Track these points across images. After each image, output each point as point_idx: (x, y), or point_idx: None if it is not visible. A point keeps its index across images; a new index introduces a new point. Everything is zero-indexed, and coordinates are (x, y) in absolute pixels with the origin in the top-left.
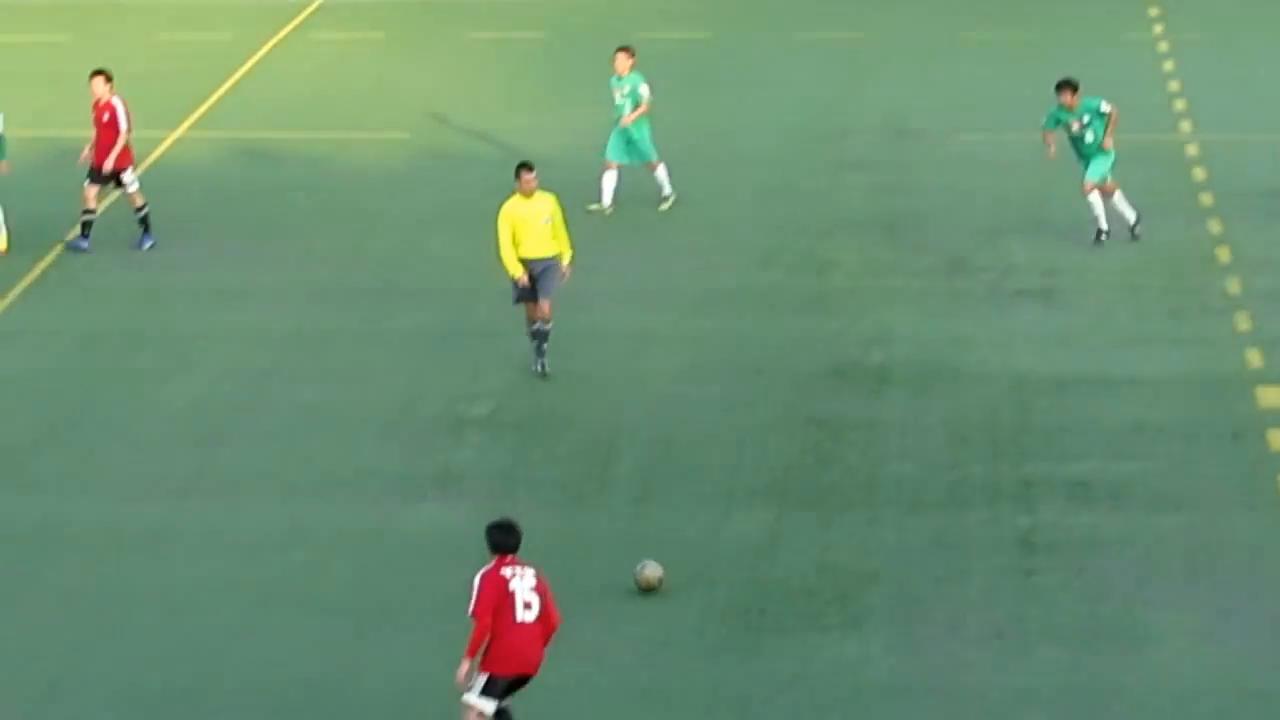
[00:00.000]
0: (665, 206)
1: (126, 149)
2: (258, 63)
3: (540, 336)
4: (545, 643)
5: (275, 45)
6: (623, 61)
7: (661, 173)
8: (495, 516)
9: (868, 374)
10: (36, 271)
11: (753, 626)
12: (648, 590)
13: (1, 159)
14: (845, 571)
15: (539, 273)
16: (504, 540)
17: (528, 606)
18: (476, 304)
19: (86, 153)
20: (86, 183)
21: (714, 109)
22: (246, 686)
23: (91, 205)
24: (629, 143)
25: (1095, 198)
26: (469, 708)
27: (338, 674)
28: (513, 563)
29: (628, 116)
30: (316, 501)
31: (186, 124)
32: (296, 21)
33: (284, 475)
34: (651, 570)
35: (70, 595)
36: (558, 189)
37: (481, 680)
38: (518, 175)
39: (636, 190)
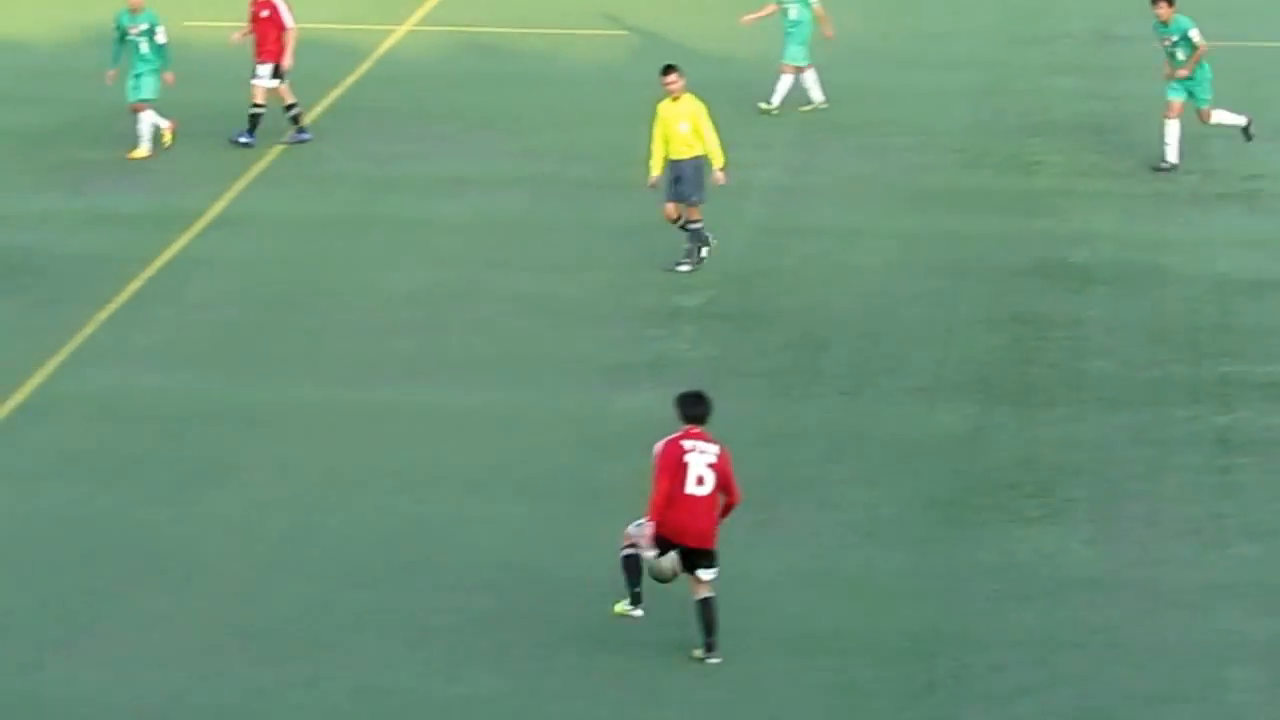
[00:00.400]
0: (808, 108)
1: (279, 44)
2: None
3: (688, 233)
4: (714, 519)
5: None
6: None
7: (810, 78)
8: None
9: (1071, 273)
10: (266, 160)
11: (955, 518)
12: (662, 580)
13: (165, 69)
14: (1047, 466)
15: (679, 176)
16: (690, 410)
17: (700, 481)
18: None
19: (238, 37)
20: (256, 79)
21: (926, 13)
22: (463, 567)
23: (290, 99)
24: (801, 46)
25: (1219, 116)
26: (629, 535)
27: (552, 556)
28: (697, 436)
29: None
30: (533, 387)
31: (414, 19)
32: None
33: (502, 362)
34: (665, 562)
35: (294, 473)
36: (764, 89)
37: (650, 528)
38: (661, 76)
39: (847, 90)
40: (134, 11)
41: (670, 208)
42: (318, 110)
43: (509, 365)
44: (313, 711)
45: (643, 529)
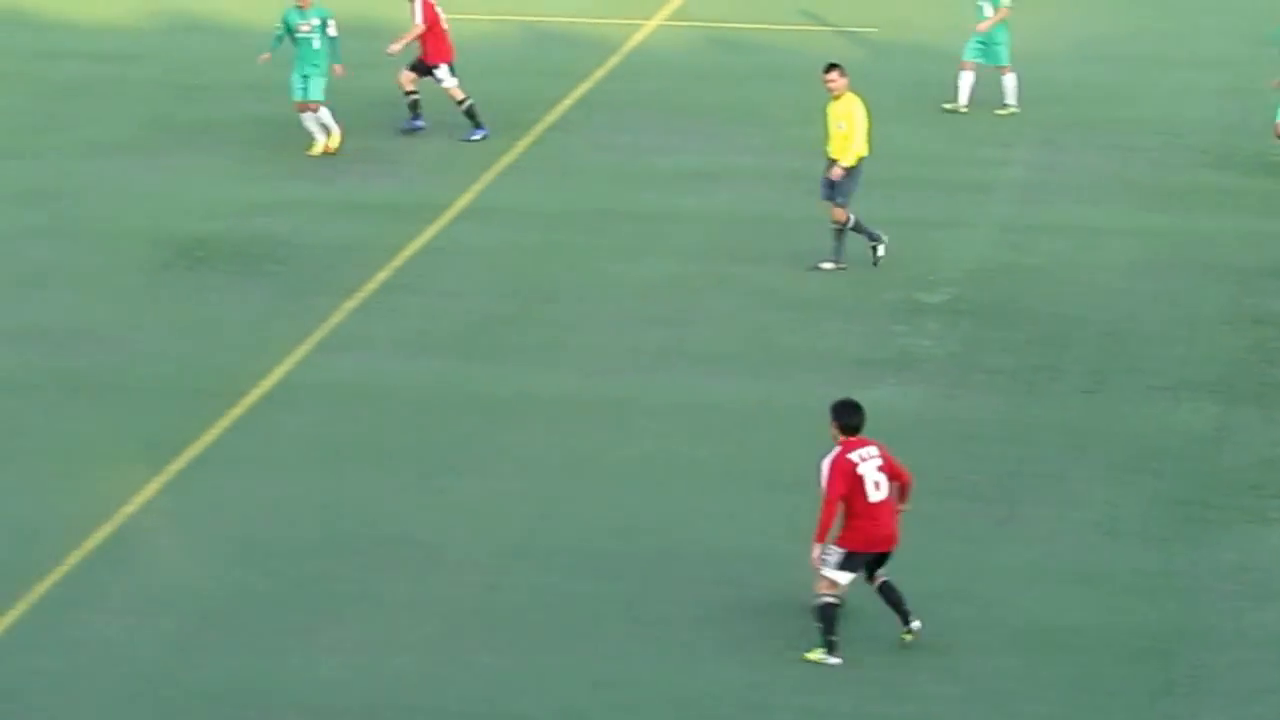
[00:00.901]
0: (1002, 113)
1: (444, 44)
2: None
3: (834, 234)
4: (897, 518)
5: None
6: None
7: (1009, 81)
8: (949, 401)
9: None
10: (513, 152)
11: (1196, 517)
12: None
13: (336, 62)
14: None
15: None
16: (849, 420)
17: (877, 486)
18: (936, 194)
19: (398, 47)
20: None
21: (1173, 12)
22: (704, 559)
23: (410, 87)
24: (986, 45)
25: None
26: (824, 579)
27: (793, 550)
28: (858, 444)
29: (984, 23)
30: (777, 381)
31: (663, 14)
32: None
33: (746, 355)
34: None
35: (537, 463)
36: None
37: (839, 555)
38: (823, 74)
39: (1093, 89)
40: (303, 7)
41: (834, 210)
42: (566, 103)
43: (753, 358)
44: (553, 701)
45: (830, 556)
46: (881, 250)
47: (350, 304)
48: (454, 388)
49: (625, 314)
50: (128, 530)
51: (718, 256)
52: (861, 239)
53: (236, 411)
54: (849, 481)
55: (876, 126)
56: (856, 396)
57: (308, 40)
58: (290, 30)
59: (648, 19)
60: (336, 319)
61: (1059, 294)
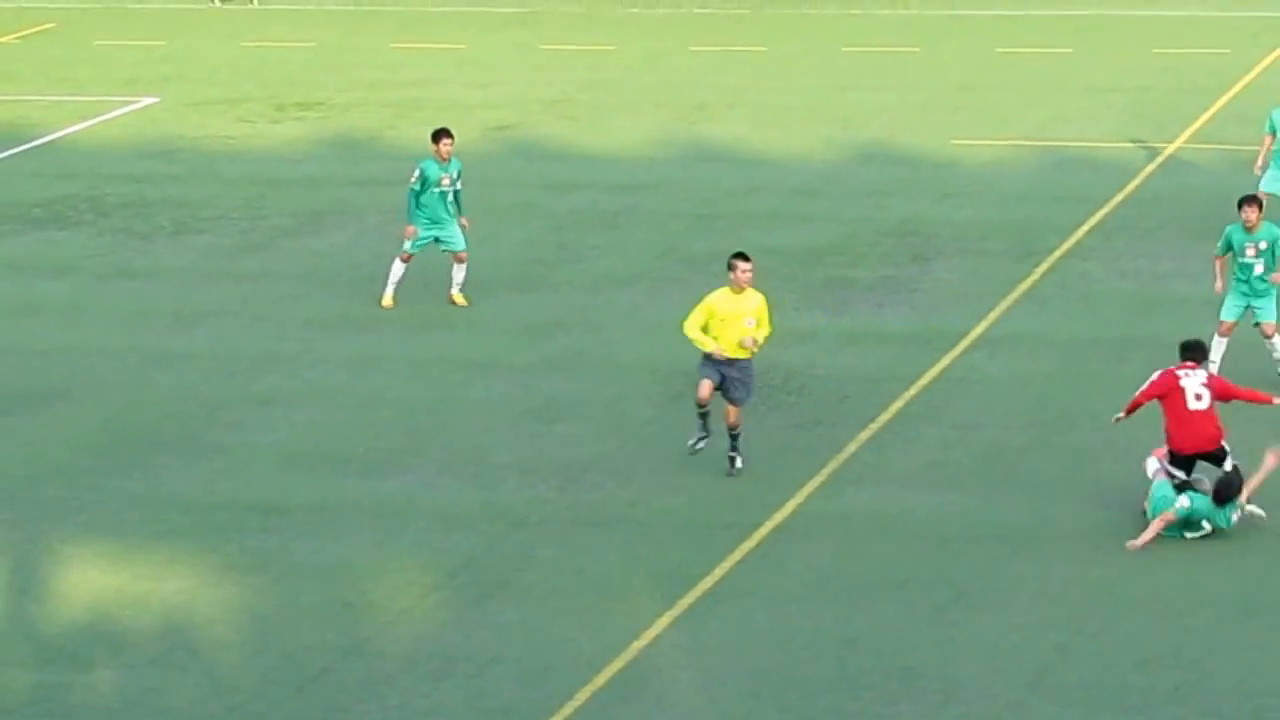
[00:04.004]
0: None
1: None
2: (1255, 77)
3: (729, 436)
4: (1218, 427)
5: (1272, 60)
6: None
7: None
8: None
9: None
10: (1030, 280)
11: None
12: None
13: (461, 214)
14: None
15: (732, 375)
16: (1188, 351)
17: (1198, 398)
18: None
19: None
20: None
21: None
22: (1227, 693)
23: None
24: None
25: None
26: (1155, 470)
27: None
28: (1190, 367)
29: None
30: None
31: (1184, 136)
32: None
33: (1273, 482)
34: None
35: (1058, 593)
36: None
37: (1164, 453)
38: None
39: None
40: (444, 160)
41: (706, 387)
42: (1084, 229)
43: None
44: None
45: (1155, 467)
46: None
47: (865, 434)
48: (972, 518)
49: (1143, 444)
50: (639, 666)
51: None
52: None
53: (749, 544)
54: (1167, 388)
55: None
56: None
57: (445, 195)
58: (429, 184)
59: (1169, 142)
60: (851, 449)
61: None
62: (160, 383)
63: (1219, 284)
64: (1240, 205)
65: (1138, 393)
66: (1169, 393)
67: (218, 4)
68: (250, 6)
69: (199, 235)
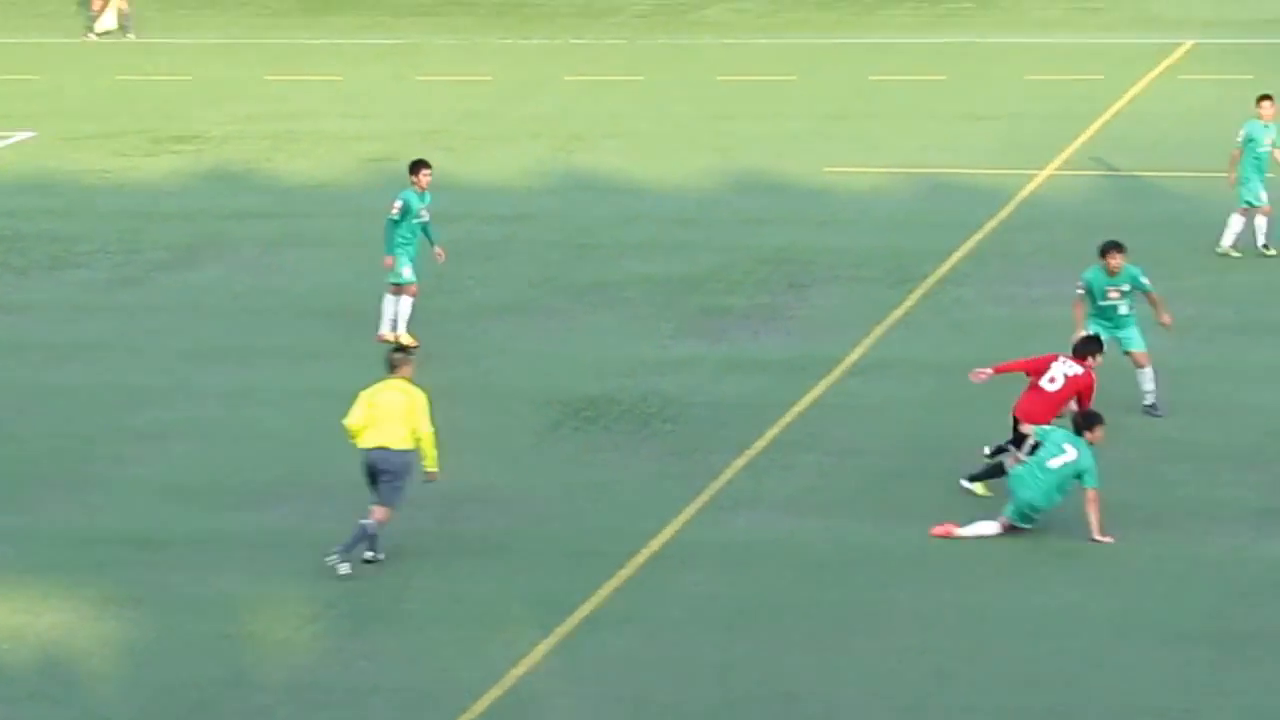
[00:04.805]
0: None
1: None
2: (1126, 103)
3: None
4: (1051, 414)
5: (1144, 87)
6: (1269, 109)
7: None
8: None
9: None
10: (904, 306)
11: None
12: None
13: (434, 245)
14: None
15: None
16: (1081, 345)
17: (1052, 380)
18: None
19: None
20: None
21: None
22: (1103, 713)
23: None
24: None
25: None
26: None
27: (1190, 702)
28: (1074, 360)
29: None
30: (1171, 531)
31: (1055, 162)
32: (1166, 63)
33: (1143, 506)
34: None
35: (934, 619)
36: None
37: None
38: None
39: None
40: (423, 190)
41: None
42: (958, 255)
43: (1150, 509)
44: None
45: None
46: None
47: (742, 461)
48: (848, 544)
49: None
50: (518, 693)
51: (1109, 407)
52: None
53: (627, 572)
54: (1040, 366)
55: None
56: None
57: (424, 226)
58: (410, 214)
59: (1042, 168)
60: (728, 476)
61: None
62: (37, 417)
63: (1080, 333)
64: (1104, 252)
65: (1019, 359)
66: (1039, 371)
67: (92, 38)
68: (125, 40)
69: (75, 269)
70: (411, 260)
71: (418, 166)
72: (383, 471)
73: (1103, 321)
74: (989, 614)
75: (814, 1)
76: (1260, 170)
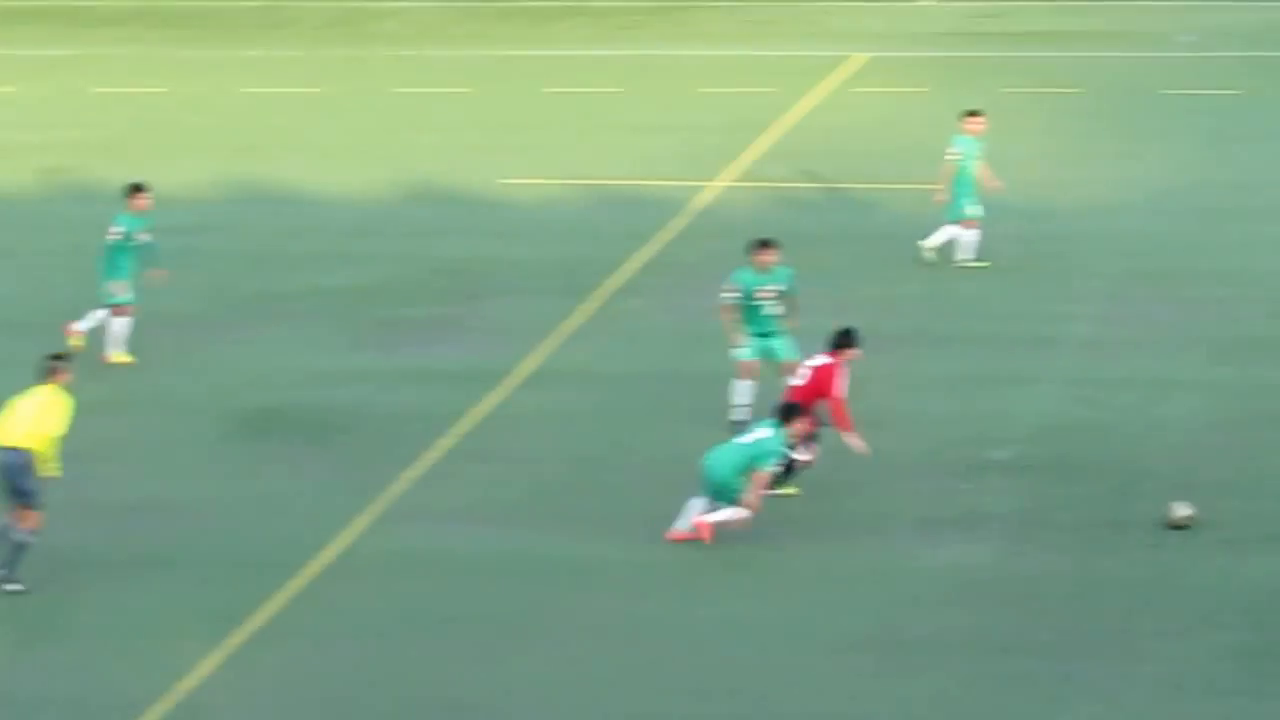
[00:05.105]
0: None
1: None
2: (799, 116)
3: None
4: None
5: (816, 100)
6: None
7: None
8: (1015, 558)
9: None
10: (577, 317)
11: (1265, 672)
12: (1176, 528)
13: (157, 266)
14: None
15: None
16: (836, 336)
17: (799, 375)
18: (1003, 350)
19: None
20: None
21: (1239, 164)
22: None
23: None
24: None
25: None
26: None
27: (855, 711)
28: (826, 353)
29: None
30: (842, 541)
31: (728, 174)
32: (837, 76)
33: (814, 516)
34: (1180, 510)
35: (601, 630)
36: (1079, 240)
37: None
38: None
39: (1158, 240)
40: (140, 213)
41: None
42: (632, 266)
43: (818, 519)
44: None
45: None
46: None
47: (413, 473)
48: (516, 556)
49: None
50: (187, 706)
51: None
52: None
53: (297, 583)
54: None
55: (950, 284)
56: (922, 556)
57: (149, 247)
58: (131, 237)
59: (713, 180)
60: (399, 488)
61: (1127, 448)
62: None
63: (739, 337)
64: (755, 250)
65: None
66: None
67: None
68: None
69: None
70: (128, 281)
71: (135, 190)
72: (5, 472)
73: (753, 325)
74: (657, 624)
75: (490, 14)
76: (970, 184)
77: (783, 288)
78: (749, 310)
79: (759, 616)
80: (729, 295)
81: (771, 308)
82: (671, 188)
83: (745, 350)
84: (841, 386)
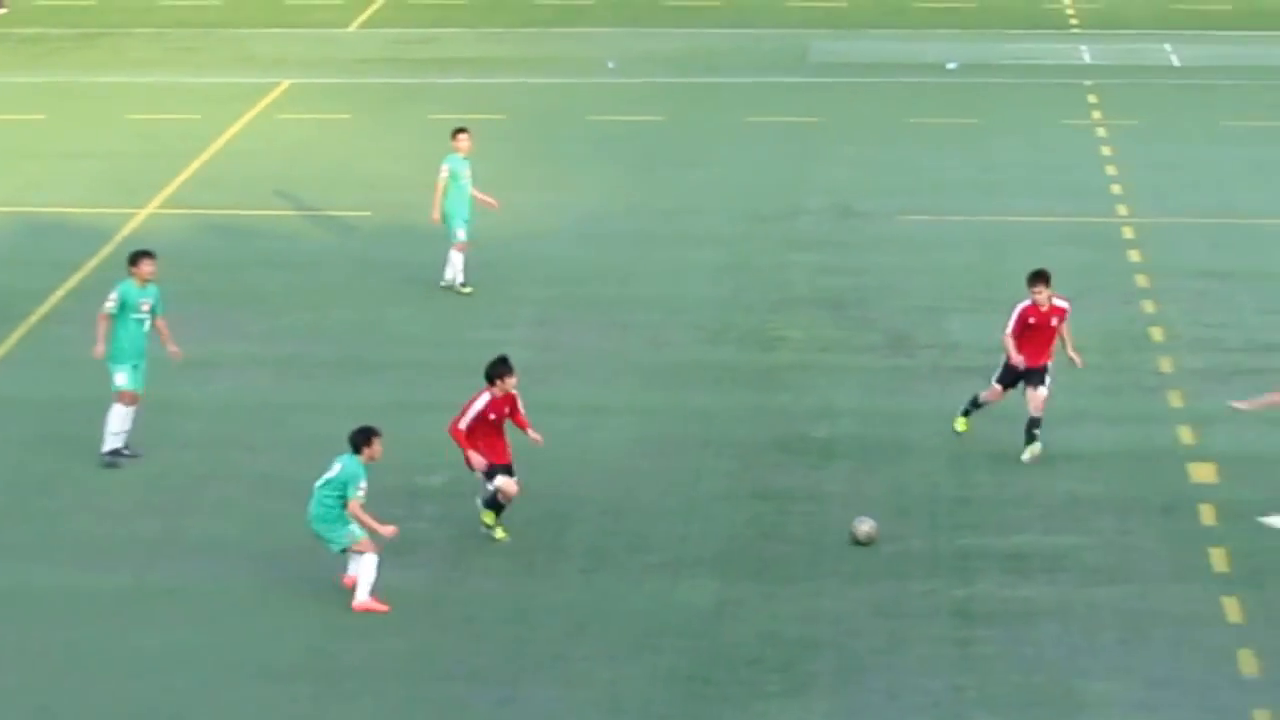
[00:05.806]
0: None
1: None
2: (225, 142)
3: None
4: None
5: (242, 126)
6: (465, 142)
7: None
8: (450, 584)
9: (812, 447)
10: (6, 345)
11: (698, 694)
12: (862, 544)
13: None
14: (788, 640)
15: None
16: (491, 366)
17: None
18: (434, 377)
19: None
20: None
21: (667, 189)
22: None
23: None
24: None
25: None
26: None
27: None
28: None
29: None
30: (278, 567)
31: (155, 201)
32: (264, 103)
33: (245, 542)
34: (864, 526)
35: (34, 658)
36: (507, 267)
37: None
38: None
39: (588, 267)
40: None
41: None
42: (59, 294)
43: (251, 546)
44: None
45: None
46: None
47: None
48: None
49: (126, 503)
50: None
51: (216, 445)
52: None
53: None
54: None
55: (373, 310)
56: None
57: (143, 321)
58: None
59: (140, 207)
60: None
61: (559, 473)
62: None
63: (100, 348)
64: (134, 261)
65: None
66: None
67: None
68: None
69: None
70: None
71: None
72: None
73: (129, 342)
74: (93, 652)
75: None
76: (463, 204)
77: (152, 301)
78: (129, 325)
79: (195, 644)
80: (108, 305)
81: (146, 322)
82: (99, 215)
83: (126, 378)
84: (468, 419)
